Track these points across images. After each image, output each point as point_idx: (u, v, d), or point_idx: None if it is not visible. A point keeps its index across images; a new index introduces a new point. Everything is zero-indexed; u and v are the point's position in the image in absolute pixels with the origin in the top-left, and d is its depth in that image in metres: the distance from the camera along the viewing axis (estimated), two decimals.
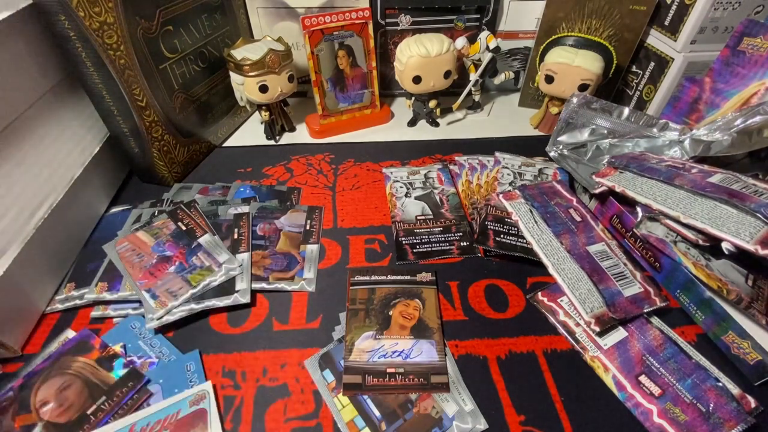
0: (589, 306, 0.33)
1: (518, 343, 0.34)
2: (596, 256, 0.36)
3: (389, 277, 0.38)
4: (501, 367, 0.33)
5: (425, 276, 0.38)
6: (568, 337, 0.34)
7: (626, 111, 0.45)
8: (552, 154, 0.48)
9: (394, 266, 0.40)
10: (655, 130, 0.44)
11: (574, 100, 0.47)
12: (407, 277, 0.38)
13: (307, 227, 0.43)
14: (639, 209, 0.37)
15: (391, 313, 0.35)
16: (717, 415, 0.28)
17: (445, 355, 0.33)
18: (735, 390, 0.30)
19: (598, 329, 0.32)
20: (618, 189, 0.38)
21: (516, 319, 0.36)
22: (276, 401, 0.31)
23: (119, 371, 0.32)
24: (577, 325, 0.34)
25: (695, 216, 0.32)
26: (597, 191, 0.40)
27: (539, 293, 0.37)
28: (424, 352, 0.33)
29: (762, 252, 0.28)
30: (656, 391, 0.30)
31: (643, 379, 0.31)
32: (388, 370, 0.32)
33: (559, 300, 0.36)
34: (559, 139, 0.48)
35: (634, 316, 0.33)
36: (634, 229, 0.38)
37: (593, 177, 0.41)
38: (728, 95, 0.43)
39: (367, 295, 0.37)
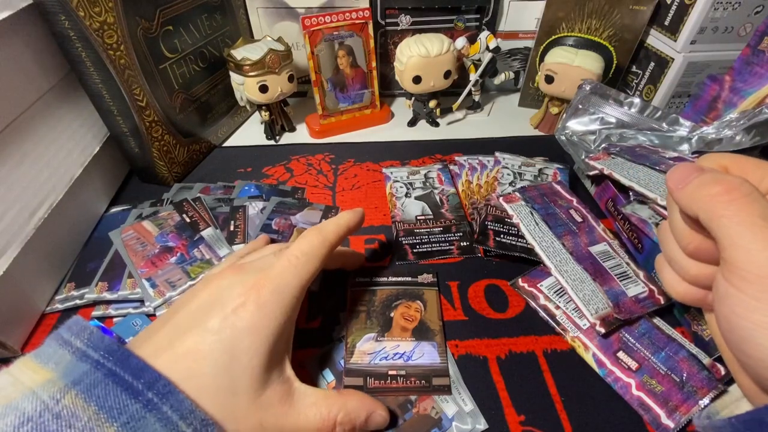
0: (594, 308, 0.33)
1: (518, 343, 0.34)
2: (599, 256, 0.36)
3: (390, 279, 0.38)
4: (501, 367, 0.33)
5: (426, 277, 0.38)
6: (550, 321, 0.35)
7: (637, 102, 0.46)
8: (560, 137, 0.48)
9: (395, 266, 0.40)
10: (665, 125, 0.44)
11: (587, 86, 0.47)
12: (408, 278, 0.38)
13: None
14: (632, 193, 0.39)
15: (392, 314, 0.35)
16: (690, 384, 0.30)
17: (447, 357, 0.33)
18: (705, 359, 0.31)
19: (603, 330, 0.32)
20: (606, 172, 0.39)
21: (516, 319, 0.36)
22: None
23: None
24: (557, 308, 0.35)
25: None
26: (591, 173, 0.43)
27: (520, 279, 0.38)
28: (426, 354, 0.33)
29: None
30: (633, 365, 0.31)
31: (620, 354, 0.32)
32: (390, 372, 0.32)
33: (539, 285, 0.37)
34: (567, 124, 0.48)
35: (639, 316, 0.33)
36: (621, 208, 0.39)
37: (586, 160, 0.42)
38: (746, 94, 0.43)
39: (368, 296, 0.37)
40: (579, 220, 0.39)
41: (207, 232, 0.40)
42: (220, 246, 0.39)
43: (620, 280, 0.35)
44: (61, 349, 0.20)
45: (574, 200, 0.41)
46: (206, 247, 0.39)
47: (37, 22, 0.36)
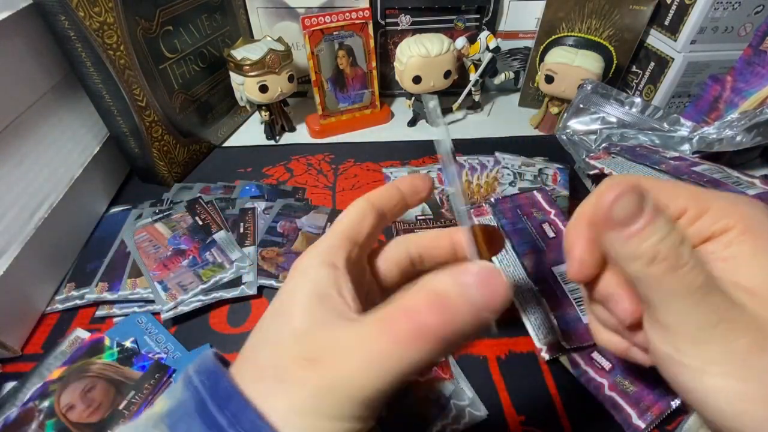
0: (543, 333, 0.32)
1: (518, 343, 0.34)
2: (561, 277, 0.35)
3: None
4: (501, 367, 0.33)
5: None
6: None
7: (638, 101, 0.46)
8: (561, 137, 0.48)
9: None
10: (666, 125, 0.44)
11: (589, 86, 0.48)
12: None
13: (327, 229, 0.43)
14: None
15: None
16: (663, 385, 0.29)
17: None
18: None
19: (547, 357, 0.32)
20: (606, 171, 0.39)
21: (516, 319, 0.36)
22: None
23: (139, 365, 0.32)
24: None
25: None
26: (591, 172, 0.42)
27: None
28: None
29: None
30: (607, 365, 0.31)
31: (595, 355, 0.32)
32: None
33: None
34: (568, 123, 0.48)
35: (590, 344, 0.32)
36: None
37: (587, 160, 0.42)
38: (747, 95, 0.43)
39: None
40: (551, 235, 0.38)
41: (219, 235, 0.40)
42: (231, 249, 0.39)
43: (578, 305, 0.33)
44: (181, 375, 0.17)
45: (553, 212, 0.40)
46: (218, 250, 0.39)
47: (37, 22, 0.36)
